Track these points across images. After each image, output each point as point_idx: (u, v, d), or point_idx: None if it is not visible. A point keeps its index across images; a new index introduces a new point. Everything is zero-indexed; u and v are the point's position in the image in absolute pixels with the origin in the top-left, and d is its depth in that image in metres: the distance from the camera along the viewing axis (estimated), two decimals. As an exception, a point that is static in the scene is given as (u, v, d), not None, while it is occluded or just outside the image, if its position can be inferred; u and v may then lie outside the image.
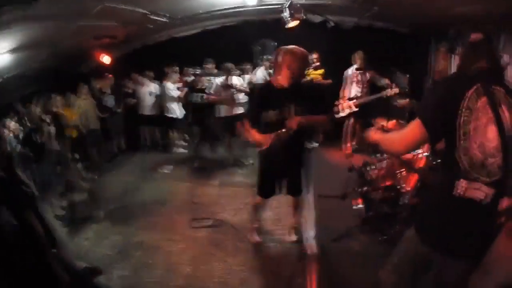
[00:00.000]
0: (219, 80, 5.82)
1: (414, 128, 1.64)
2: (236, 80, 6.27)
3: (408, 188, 3.36)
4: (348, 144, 6.01)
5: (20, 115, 5.29)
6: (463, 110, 1.51)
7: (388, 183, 3.67)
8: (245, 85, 6.34)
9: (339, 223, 3.81)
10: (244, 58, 6.58)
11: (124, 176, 6.33)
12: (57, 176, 5.08)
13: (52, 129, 4.58)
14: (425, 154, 3.24)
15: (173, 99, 6.89)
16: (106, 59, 6.88)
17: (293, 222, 3.80)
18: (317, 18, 6.03)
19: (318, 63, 6.07)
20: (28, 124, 5.06)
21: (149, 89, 7.11)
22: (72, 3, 3.80)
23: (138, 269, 3.49)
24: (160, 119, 7.30)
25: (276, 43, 6.14)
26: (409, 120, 4.01)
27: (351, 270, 3.12)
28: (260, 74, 6.54)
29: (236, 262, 3.45)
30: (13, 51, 4.61)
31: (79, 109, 6.51)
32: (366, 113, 5.55)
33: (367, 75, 5.50)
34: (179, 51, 7.31)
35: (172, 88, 6.80)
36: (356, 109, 5.64)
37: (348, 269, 3.15)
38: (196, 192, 5.17)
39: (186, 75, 7.05)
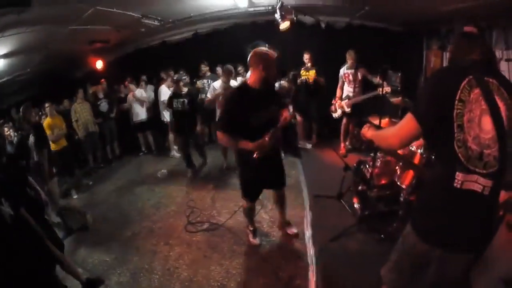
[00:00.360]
0: (217, 83, 5.72)
1: (408, 122, 1.63)
2: (234, 83, 6.25)
3: (404, 186, 3.36)
4: (342, 144, 6.03)
5: (14, 121, 5.28)
6: (456, 102, 1.50)
7: (383, 181, 3.68)
8: None
9: (336, 222, 3.80)
10: (237, 60, 6.56)
11: (119, 181, 6.31)
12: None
13: (32, 138, 4.53)
14: (419, 151, 3.25)
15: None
16: (98, 63, 6.87)
17: (280, 217, 3.82)
18: (308, 19, 6.06)
19: (309, 64, 6.07)
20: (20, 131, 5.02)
21: (138, 95, 7.08)
22: (64, 8, 3.79)
23: (135, 275, 3.48)
24: (155, 123, 7.29)
25: (267, 45, 6.13)
26: (401, 118, 4.04)
27: (349, 269, 3.11)
28: None
29: (233, 265, 3.43)
30: (6, 56, 4.60)
31: (75, 114, 6.50)
32: (359, 112, 5.58)
33: (359, 74, 5.51)
34: (172, 54, 7.32)
35: (166, 92, 6.74)
36: (349, 110, 5.65)
37: (346, 269, 3.13)
38: (191, 196, 5.15)
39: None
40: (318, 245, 3.50)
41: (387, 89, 4.69)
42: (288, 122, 3.14)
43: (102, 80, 7.39)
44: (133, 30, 5.94)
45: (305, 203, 4.49)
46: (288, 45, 6.42)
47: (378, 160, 3.83)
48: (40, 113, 6.57)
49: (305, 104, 6.33)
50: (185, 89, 5.65)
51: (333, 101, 5.89)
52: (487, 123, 1.50)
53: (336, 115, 5.89)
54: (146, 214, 4.78)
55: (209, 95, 5.67)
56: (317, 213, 4.13)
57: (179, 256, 3.69)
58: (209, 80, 7.01)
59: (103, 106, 7.07)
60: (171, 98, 5.70)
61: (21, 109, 4.80)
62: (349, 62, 5.58)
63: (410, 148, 3.31)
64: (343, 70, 5.69)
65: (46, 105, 5.67)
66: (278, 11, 4.79)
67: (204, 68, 7.01)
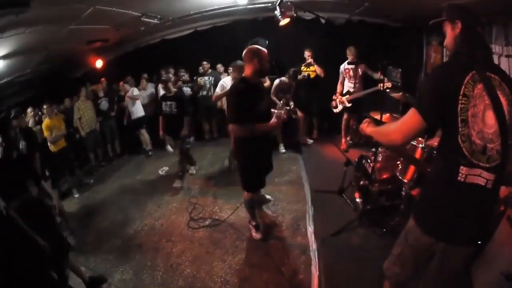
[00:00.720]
0: (227, 79, 5.68)
1: (411, 117, 1.63)
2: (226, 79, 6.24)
3: (406, 180, 3.37)
4: (343, 140, 6.04)
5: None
6: (461, 97, 1.51)
7: (385, 176, 3.68)
8: None
9: (338, 217, 3.80)
10: (238, 57, 6.56)
11: (120, 179, 6.33)
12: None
13: (23, 143, 4.54)
14: (420, 145, 3.25)
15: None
16: (98, 62, 6.87)
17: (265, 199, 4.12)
18: (308, 15, 6.06)
19: (310, 60, 6.07)
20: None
21: (130, 94, 7.06)
22: (63, 8, 3.79)
23: (138, 272, 3.50)
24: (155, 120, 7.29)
25: (267, 41, 6.13)
26: (402, 113, 4.04)
27: (351, 263, 3.11)
28: None
29: (236, 261, 3.45)
30: (5, 57, 4.59)
31: (79, 111, 6.52)
32: (360, 108, 5.59)
33: (359, 70, 5.52)
34: (171, 52, 7.31)
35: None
36: (349, 105, 5.66)
37: (348, 263, 3.14)
38: (193, 193, 5.16)
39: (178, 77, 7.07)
40: (320, 240, 3.51)
41: (388, 84, 4.70)
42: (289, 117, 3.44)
43: (103, 79, 7.38)
44: (133, 28, 5.92)
45: (306, 198, 4.50)
46: (288, 42, 6.44)
47: (380, 154, 3.83)
48: (39, 113, 6.59)
49: (306, 100, 6.33)
50: (173, 90, 5.48)
51: (334, 97, 5.89)
52: (490, 118, 1.52)
53: (337, 111, 5.90)
54: (148, 211, 4.79)
55: (218, 91, 5.68)
56: (319, 208, 4.13)
57: (181, 253, 3.71)
58: (210, 77, 7.03)
59: (104, 104, 7.07)
60: (160, 101, 5.58)
61: (11, 115, 4.77)
62: (350, 58, 5.58)
63: (411, 142, 3.32)
64: (343, 66, 5.69)
65: (45, 106, 5.66)
66: (278, 7, 4.78)
67: (206, 65, 7.03)
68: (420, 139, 3.27)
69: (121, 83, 7.19)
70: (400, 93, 3.82)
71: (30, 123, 6.21)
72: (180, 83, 6.88)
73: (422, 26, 5.92)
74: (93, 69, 7.21)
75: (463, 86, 1.51)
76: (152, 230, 4.27)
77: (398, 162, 3.60)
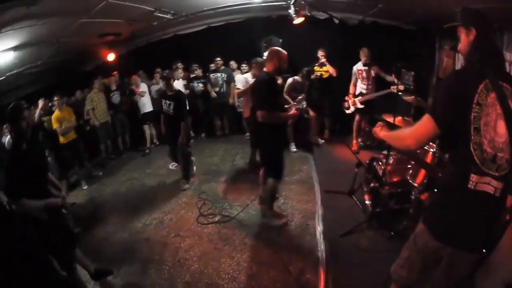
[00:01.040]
0: (248, 76, 5.69)
1: (425, 123, 1.64)
2: (239, 76, 6.29)
3: (416, 184, 3.36)
4: (354, 141, 6.03)
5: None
6: (474, 105, 1.52)
7: (395, 179, 3.67)
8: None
9: (347, 219, 3.80)
10: (251, 54, 6.54)
11: (129, 173, 6.37)
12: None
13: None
14: (431, 150, 3.25)
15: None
16: (110, 56, 6.90)
17: (261, 192, 4.18)
18: (321, 15, 6.04)
19: (323, 60, 6.06)
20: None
21: (141, 89, 7.10)
22: (76, 1, 3.81)
23: (145, 266, 3.52)
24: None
25: (280, 40, 6.12)
26: (414, 116, 4.03)
27: (359, 265, 3.11)
28: None
29: (244, 258, 3.46)
30: (16, 48, 4.61)
31: (92, 102, 6.56)
32: (372, 109, 5.58)
33: (372, 71, 5.50)
34: (184, 47, 7.32)
35: (176, 85, 6.73)
36: (362, 106, 5.65)
37: (356, 265, 3.14)
38: (203, 189, 5.17)
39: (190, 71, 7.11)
40: (328, 241, 3.51)
41: (401, 87, 4.68)
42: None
43: (115, 72, 7.41)
44: (146, 23, 5.94)
45: (316, 198, 4.51)
46: (301, 41, 6.42)
47: (391, 157, 3.82)
48: (50, 104, 6.62)
49: (318, 100, 6.34)
50: (175, 89, 5.16)
51: (347, 98, 5.89)
52: (502, 127, 1.53)
53: (349, 112, 5.89)
54: (157, 205, 4.81)
55: (241, 87, 5.77)
56: (328, 209, 4.13)
57: (189, 248, 3.73)
58: (223, 74, 7.04)
59: (115, 98, 7.12)
60: (160, 97, 5.40)
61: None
62: (363, 59, 5.57)
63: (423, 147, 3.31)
64: (356, 67, 5.68)
65: (55, 98, 5.68)
66: (292, 6, 4.78)
67: (219, 61, 7.06)
68: (431, 144, 3.26)
69: (133, 76, 7.21)
70: (412, 97, 3.82)
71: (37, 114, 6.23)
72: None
73: (435, 30, 5.88)
74: (105, 63, 7.23)
75: (476, 95, 1.53)
76: (161, 224, 4.29)
77: (409, 166, 3.60)
